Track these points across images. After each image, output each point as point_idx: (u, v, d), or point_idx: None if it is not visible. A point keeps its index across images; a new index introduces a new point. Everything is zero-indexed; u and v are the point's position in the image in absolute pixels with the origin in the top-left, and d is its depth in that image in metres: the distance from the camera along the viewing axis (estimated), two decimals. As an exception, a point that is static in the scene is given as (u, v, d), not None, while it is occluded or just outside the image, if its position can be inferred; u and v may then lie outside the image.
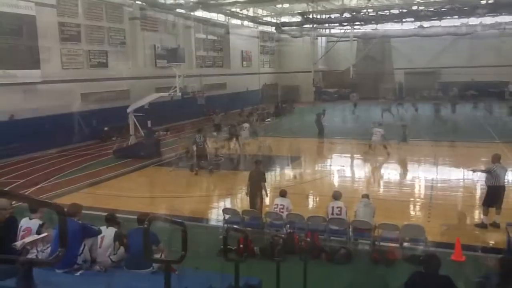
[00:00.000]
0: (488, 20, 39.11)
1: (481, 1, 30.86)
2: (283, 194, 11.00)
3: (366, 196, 10.33)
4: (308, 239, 9.48)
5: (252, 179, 11.94)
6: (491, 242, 10.16)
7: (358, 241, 10.01)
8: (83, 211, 6.90)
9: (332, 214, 9.97)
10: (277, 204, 10.70)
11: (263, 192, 11.82)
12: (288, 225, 10.32)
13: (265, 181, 11.96)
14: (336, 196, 10.32)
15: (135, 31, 29.68)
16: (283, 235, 9.86)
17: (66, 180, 17.00)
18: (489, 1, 30.29)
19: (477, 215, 11.72)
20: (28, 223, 6.63)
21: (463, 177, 16.95)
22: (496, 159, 10.94)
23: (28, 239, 5.79)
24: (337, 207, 10.00)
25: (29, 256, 5.82)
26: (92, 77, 26.12)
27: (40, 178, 17.11)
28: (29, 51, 21.67)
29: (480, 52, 47.87)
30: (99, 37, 27.09)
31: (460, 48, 48.37)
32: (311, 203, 14.34)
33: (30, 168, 18.97)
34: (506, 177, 11.04)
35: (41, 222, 6.57)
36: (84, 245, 6.31)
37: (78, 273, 6.04)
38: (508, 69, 45.88)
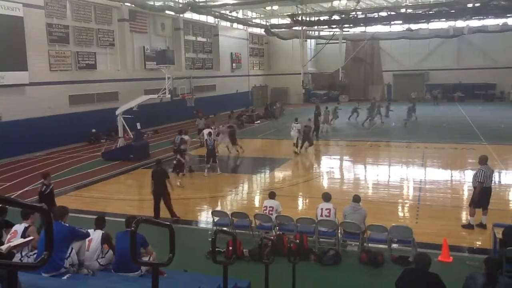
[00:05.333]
0: (475, 23, 39.56)
1: (468, 5, 31.18)
2: (272, 196, 11.00)
3: (356, 199, 10.02)
4: (297, 240, 9.49)
5: (156, 178, 12.30)
6: (478, 243, 10.26)
7: (347, 242, 10.03)
8: (70, 214, 6.84)
9: (321, 215, 9.98)
10: (266, 206, 10.69)
11: (169, 189, 12.28)
12: (277, 227, 10.33)
13: (168, 177, 12.37)
14: (326, 197, 10.32)
15: (124, 32, 29.58)
16: (272, 237, 9.85)
17: (53, 182, 16.81)
18: (476, 4, 30.63)
19: (464, 216, 11.83)
20: (15, 227, 6.57)
21: (450, 178, 17.12)
22: (483, 160, 11.04)
23: (14, 243, 5.72)
24: (326, 209, 10.00)
25: (15, 260, 5.76)
26: (81, 79, 25.96)
27: (28, 181, 16.95)
28: (17, 53, 21.46)
29: (467, 55, 48.50)
30: (88, 38, 26.94)
31: (448, 50, 48.98)
32: (300, 205, 14.38)
33: (18, 171, 18.79)
34: (492, 178, 11.14)
35: (26, 225, 6.50)
36: (72, 249, 6.25)
37: (65, 277, 5.97)
38: (494, 71, 46.56)
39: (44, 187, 10.95)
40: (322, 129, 27.46)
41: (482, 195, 10.75)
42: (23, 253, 6.14)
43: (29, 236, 6.30)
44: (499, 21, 39.97)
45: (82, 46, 26.52)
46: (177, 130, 20.60)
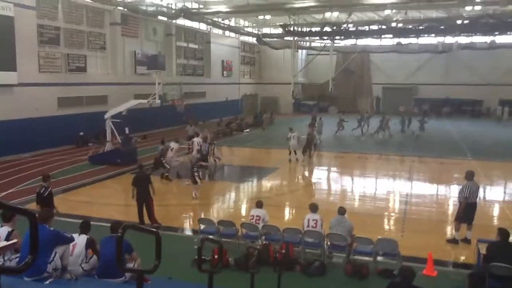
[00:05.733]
0: (464, 39, 40.21)
1: (457, 21, 31.69)
2: (259, 205, 10.96)
3: (341, 212, 10.01)
4: (283, 251, 9.46)
5: (138, 183, 12.21)
6: (462, 258, 10.33)
7: (333, 254, 10.03)
8: (55, 218, 6.77)
9: (308, 226, 9.97)
10: (253, 215, 10.64)
11: (151, 194, 12.15)
12: (263, 237, 10.30)
13: (151, 183, 12.26)
14: (313, 208, 10.31)
15: (115, 36, 29.48)
16: (258, 247, 9.82)
17: (38, 185, 16.60)
18: (465, 22, 31.15)
19: (449, 230, 11.92)
20: (-5, 229, 6.47)
21: (436, 193, 17.26)
22: (469, 176, 11.15)
23: (-4, 246, 5.64)
24: (313, 220, 9.99)
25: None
26: (70, 81, 25.77)
27: (12, 183, 16.73)
28: (6, 53, 21.25)
29: (455, 70, 49.15)
30: (79, 41, 26.80)
31: (436, 65, 49.58)
32: (287, 214, 14.37)
33: (2, 172, 18.53)
34: (478, 194, 11.25)
35: (10, 229, 6.41)
36: (55, 253, 6.16)
37: (47, 282, 5.88)
38: (481, 87, 47.21)
39: (43, 189, 10.84)
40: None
41: (467, 210, 10.85)
42: (5, 257, 6.05)
43: (12, 239, 6.21)
44: (487, 39, 40.72)
45: (72, 49, 26.34)
46: (170, 135, 20.43)
